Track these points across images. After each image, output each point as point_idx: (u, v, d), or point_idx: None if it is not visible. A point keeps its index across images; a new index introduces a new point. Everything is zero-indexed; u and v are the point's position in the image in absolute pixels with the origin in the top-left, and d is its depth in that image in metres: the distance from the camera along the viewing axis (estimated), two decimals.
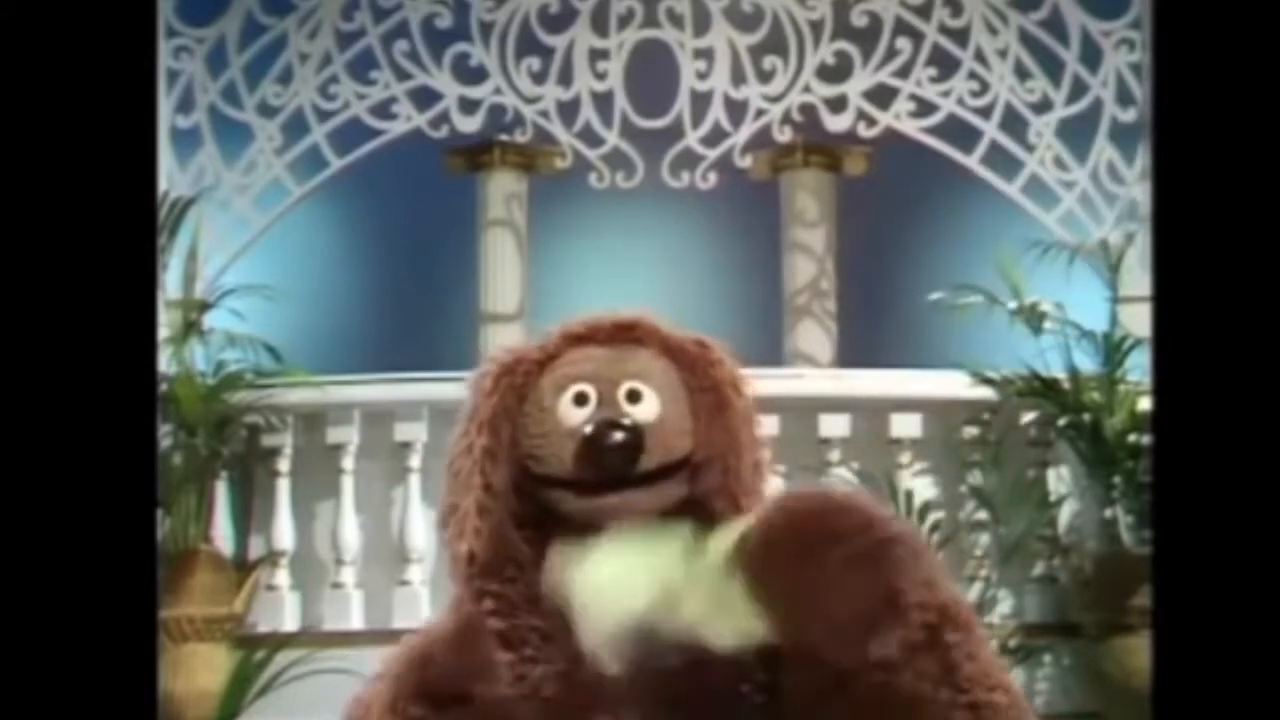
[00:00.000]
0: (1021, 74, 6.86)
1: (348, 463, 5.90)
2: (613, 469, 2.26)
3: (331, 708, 2.34)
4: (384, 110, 6.93)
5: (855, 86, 6.93)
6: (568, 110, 6.98)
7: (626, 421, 2.27)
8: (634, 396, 2.30)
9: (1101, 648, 5.66)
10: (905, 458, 5.90)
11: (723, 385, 2.35)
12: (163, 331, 5.68)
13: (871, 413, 5.92)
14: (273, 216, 6.88)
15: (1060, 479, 6.00)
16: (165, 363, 5.67)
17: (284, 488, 5.90)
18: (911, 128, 6.89)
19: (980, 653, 2.21)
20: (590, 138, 6.97)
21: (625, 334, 2.38)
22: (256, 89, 6.91)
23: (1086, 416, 5.81)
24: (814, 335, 7.67)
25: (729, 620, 2.15)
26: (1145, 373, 5.71)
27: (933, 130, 6.88)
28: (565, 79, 6.97)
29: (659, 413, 2.30)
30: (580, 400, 2.31)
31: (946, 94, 6.87)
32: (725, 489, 2.31)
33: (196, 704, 5.55)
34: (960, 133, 6.87)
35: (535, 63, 6.97)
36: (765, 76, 6.98)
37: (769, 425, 2.41)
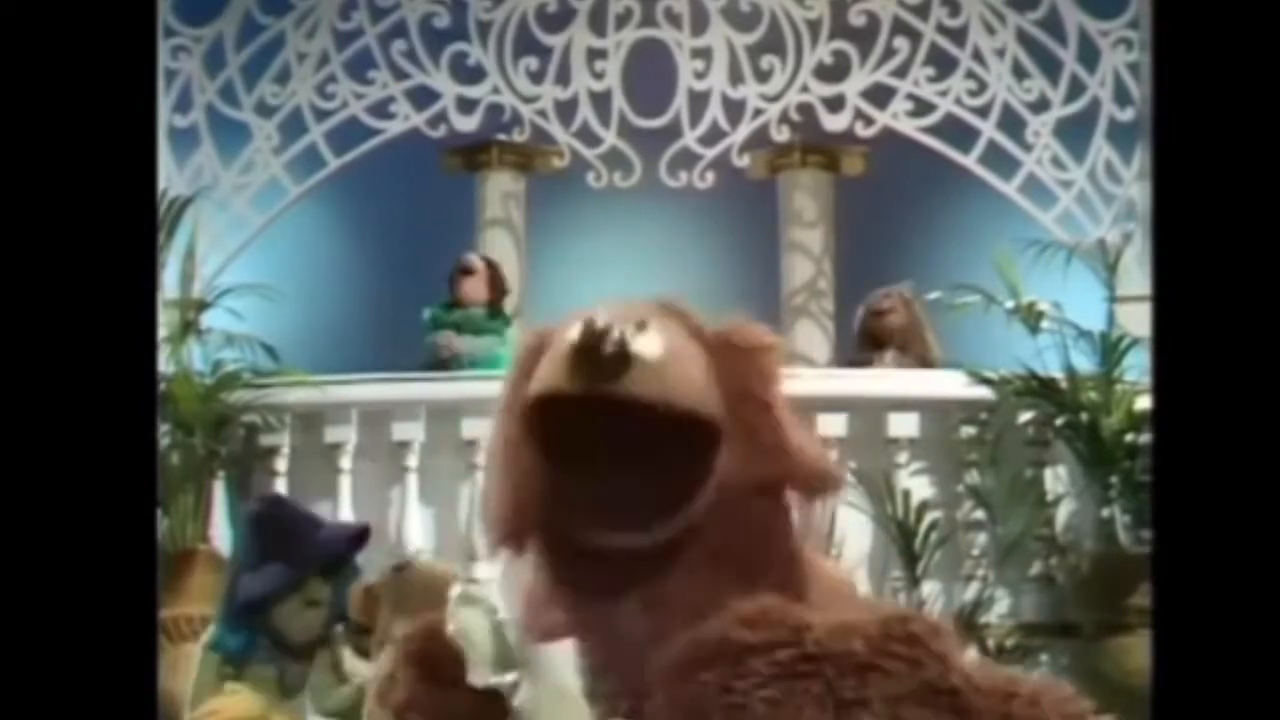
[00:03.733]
0: (1019, 73, 6.87)
1: (345, 462, 5.90)
2: (594, 372, 2.11)
3: None
4: (382, 110, 6.94)
5: (853, 86, 6.94)
6: (565, 110, 6.99)
7: (616, 335, 2.11)
8: (641, 327, 2.16)
9: (1098, 647, 5.66)
10: (903, 457, 5.91)
11: (750, 376, 2.21)
12: (160, 331, 5.68)
13: (869, 412, 5.92)
14: (270, 216, 6.88)
15: (1057, 478, 6.00)
16: (163, 362, 5.67)
17: (282, 487, 5.89)
18: (909, 127, 6.90)
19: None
20: (588, 137, 6.97)
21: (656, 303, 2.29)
22: (254, 88, 6.91)
23: (1084, 416, 5.81)
24: (812, 335, 7.67)
25: None
26: (1142, 372, 5.71)
27: (930, 130, 6.89)
28: (563, 78, 6.98)
29: (662, 353, 2.15)
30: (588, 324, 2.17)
31: (944, 93, 6.88)
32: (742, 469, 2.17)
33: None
34: (958, 132, 6.88)
35: (533, 62, 6.98)
36: (763, 76, 6.98)
37: None
